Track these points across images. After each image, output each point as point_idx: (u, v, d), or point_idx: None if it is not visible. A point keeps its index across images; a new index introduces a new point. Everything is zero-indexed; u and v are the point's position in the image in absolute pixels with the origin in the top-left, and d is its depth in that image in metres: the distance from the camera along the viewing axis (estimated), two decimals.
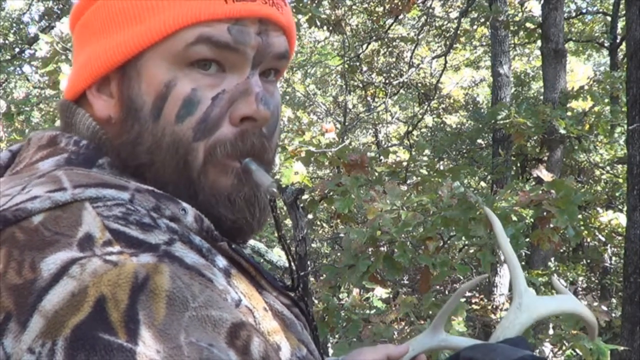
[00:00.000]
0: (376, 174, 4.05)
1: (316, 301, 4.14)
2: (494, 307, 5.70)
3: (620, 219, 5.20)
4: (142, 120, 0.65)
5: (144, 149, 0.66)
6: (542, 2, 6.49)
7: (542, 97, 6.88)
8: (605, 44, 9.05)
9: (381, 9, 7.90)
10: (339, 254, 7.41)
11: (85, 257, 0.51)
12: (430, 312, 3.56)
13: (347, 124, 9.66)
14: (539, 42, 7.02)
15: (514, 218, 3.16)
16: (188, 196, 0.65)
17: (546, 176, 4.16)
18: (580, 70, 11.53)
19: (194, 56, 0.65)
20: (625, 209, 4.92)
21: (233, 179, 0.67)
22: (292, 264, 0.80)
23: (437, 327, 0.94)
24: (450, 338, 0.94)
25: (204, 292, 0.53)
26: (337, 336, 4.52)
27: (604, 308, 5.10)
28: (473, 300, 5.81)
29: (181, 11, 0.64)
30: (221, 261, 0.60)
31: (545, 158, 6.23)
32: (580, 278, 8.20)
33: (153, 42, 0.65)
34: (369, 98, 10.52)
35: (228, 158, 0.67)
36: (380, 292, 5.45)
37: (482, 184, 8.61)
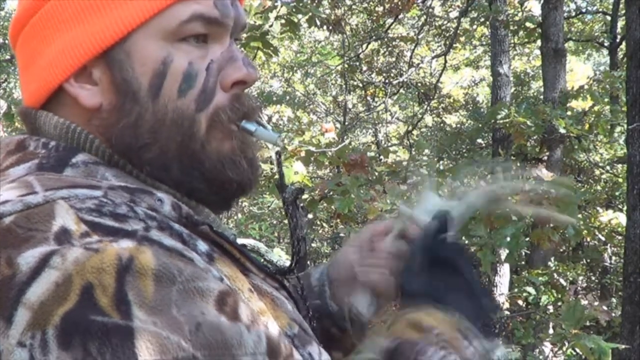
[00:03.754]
0: (376, 173, 4.05)
1: None
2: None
3: (620, 218, 5.20)
4: (141, 101, 0.65)
5: (146, 129, 0.66)
6: (542, 1, 6.49)
7: (542, 97, 6.88)
8: (605, 44, 9.04)
9: (381, 8, 7.90)
10: None
11: (64, 249, 0.51)
12: None
13: (347, 123, 9.67)
14: (538, 42, 7.02)
15: (514, 218, 3.15)
16: (192, 167, 0.67)
17: (546, 176, 4.15)
18: (580, 70, 11.52)
19: (188, 33, 0.66)
20: (625, 208, 4.92)
21: (237, 142, 0.69)
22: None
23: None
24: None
25: (187, 268, 0.54)
26: None
27: (604, 308, 5.10)
28: None
29: None
30: (203, 245, 0.61)
31: (545, 158, 6.22)
32: (580, 277, 8.19)
33: (144, 20, 0.64)
34: (368, 98, 10.52)
35: (230, 123, 0.68)
36: None
37: (482, 183, 8.59)
